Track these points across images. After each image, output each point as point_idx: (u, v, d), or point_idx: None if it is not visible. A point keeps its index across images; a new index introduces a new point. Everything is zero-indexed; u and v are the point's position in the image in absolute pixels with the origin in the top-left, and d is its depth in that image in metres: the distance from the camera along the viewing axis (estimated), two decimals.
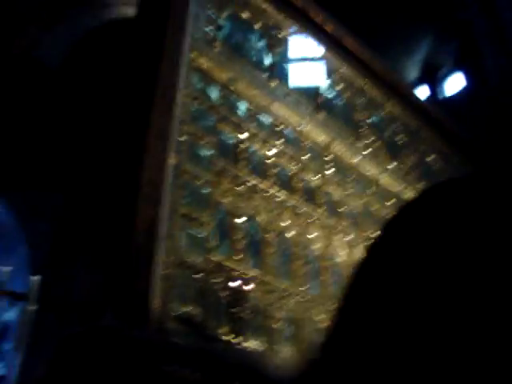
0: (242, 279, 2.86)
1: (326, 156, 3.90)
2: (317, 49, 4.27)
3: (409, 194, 4.55)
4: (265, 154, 3.42)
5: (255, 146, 3.38)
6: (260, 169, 3.34)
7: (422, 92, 11.48)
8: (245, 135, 3.32)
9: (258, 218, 3.16)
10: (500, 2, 8.90)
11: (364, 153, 4.24)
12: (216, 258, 2.78)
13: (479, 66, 9.75)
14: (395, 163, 4.61)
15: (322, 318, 3.20)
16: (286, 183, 3.46)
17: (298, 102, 3.83)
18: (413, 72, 11.97)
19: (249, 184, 3.19)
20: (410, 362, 0.61)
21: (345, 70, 4.47)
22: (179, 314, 2.50)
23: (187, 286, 2.61)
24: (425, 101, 5.38)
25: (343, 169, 4.02)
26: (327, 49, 4.32)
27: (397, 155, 4.70)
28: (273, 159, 3.44)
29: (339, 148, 4.00)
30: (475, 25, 9.65)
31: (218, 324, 2.65)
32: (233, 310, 2.74)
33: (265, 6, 3.88)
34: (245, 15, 3.76)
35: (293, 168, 3.56)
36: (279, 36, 3.98)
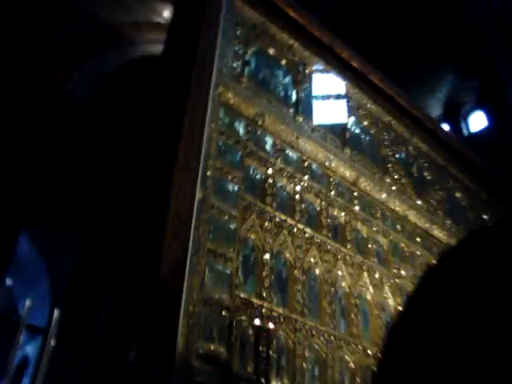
0: (268, 317, 2.79)
1: (353, 192, 3.85)
2: (342, 85, 4.26)
3: (437, 232, 4.46)
4: (292, 190, 3.38)
5: (282, 182, 3.35)
6: (287, 204, 3.30)
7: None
8: (271, 170, 3.30)
9: (285, 254, 3.10)
10: None
11: (392, 188, 4.18)
12: (242, 294, 2.72)
13: (503, 102, 9.69)
14: (423, 199, 4.53)
15: (348, 358, 3.10)
16: (313, 219, 3.41)
17: (324, 138, 3.80)
18: (435, 110, 11.94)
19: (276, 219, 3.14)
20: None
21: (371, 105, 4.45)
22: (204, 352, 2.43)
23: (212, 323, 2.54)
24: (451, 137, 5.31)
25: (370, 205, 3.96)
26: (353, 85, 4.31)
27: (424, 191, 4.63)
28: (300, 195, 3.40)
29: (366, 184, 3.94)
30: (499, 61, 9.63)
31: (243, 363, 2.57)
32: (258, 349, 2.66)
33: (291, 42, 3.91)
34: (271, 51, 3.78)
35: (320, 204, 3.51)
36: (305, 72, 3.98)
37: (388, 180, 4.23)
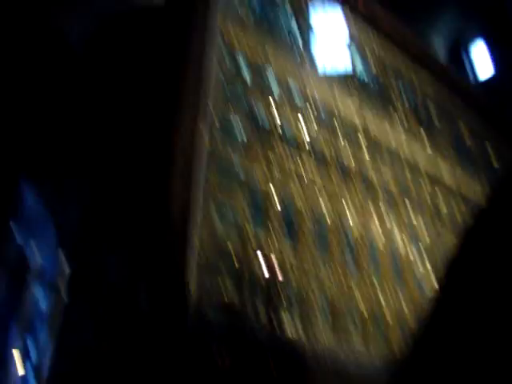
0: (279, 264, 2.76)
1: (363, 139, 3.77)
2: (352, 28, 4.11)
3: (447, 179, 4.39)
4: (300, 131, 3.28)
5: (289, 123, 3.25)
6: (296, 145, 3.21)
7: None
8: (278, 115, 3.21)
9: (296, 199, 3.05)
10: None
11: (401, 135, 4.10)
12: (253, 242, 2.68)
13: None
14: (433, 147, 4.45)
15: (361, 307, 3.09)
16: (323, 162, 3.33)
17: (332, 83, 3.70)
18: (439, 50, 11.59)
19: (285, 162, 3.06)
20: None
21: (380, 49, 4.31)
22: (216, 301, 2.41)
23: (225, 272, 2.52)
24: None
25: (380, 151, 3.88)
26: (362, 29, 4.17)
27: (435, 138, 4.54)
28: (309, 137, 3.31)
29: (376, 130, 3.86)
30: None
31: (256, 310, 2.56)
32: (272, 297, 2.64)
33: None
34: None
35: (329, 150, 3.44)
36: (313, 15, 3.84)
37: (397, 126, 4.14)
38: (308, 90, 3.48)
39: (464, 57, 11.61)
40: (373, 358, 3.01)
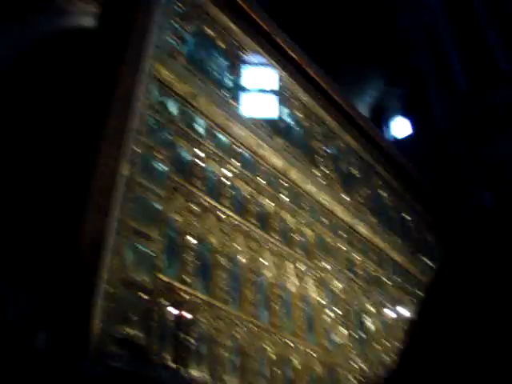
0: (190, 303, 2.69)
1: (283, 182, 3.82)
2: (279, 74, 4.22)
3: (362, 228, 4.52)
4: (222, 174, 3.29)
5: (212, 165, 3.25)
6: (216, 189, 3.21)
7: None
8: (202, 153, 3.20)
9: (211, 240, 3.02)
10: (449, 47, 9.18)
11: (320, 182, 4.19)
12: (164, 278, 2.61)
13: (427, 111, 9.98)
14: (350, 195, 4.58)
15: (270, 349, 3.05)
16: (241, 206, 3.34)
17: (257, 125, 3.74)
18: (362, 112, 12.14)
19: (204, 204, 3.04)
20: None
21: (305, 98, 4.44)
22: (122, 337, 2.30)
23: (132, 306, 2.41)
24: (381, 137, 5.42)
25: (299, 196, 3.94)
26: (289, 75, 4.28)
27: (352, 188, 4.68)
28: (229, 180, 3.32)
29: (296, 175, 3.93)
30: (425, 72, 9.92)
31: (163, 349, 2.46)
32: (179, 336, 2.55)
33: (231, 24, 3.81)
34: (210, 32, 3.68)
35: (249, 191, 3.45)
36: (243, 57, 3.91)
37: (317, 173, 4.24)
38: (234, 137, 3.50)
39: (383, 119, 12.20)
40: None
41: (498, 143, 6.82)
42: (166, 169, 2.88)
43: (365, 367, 3.85)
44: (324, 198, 4.17)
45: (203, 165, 3.16)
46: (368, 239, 4.59)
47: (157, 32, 3.11)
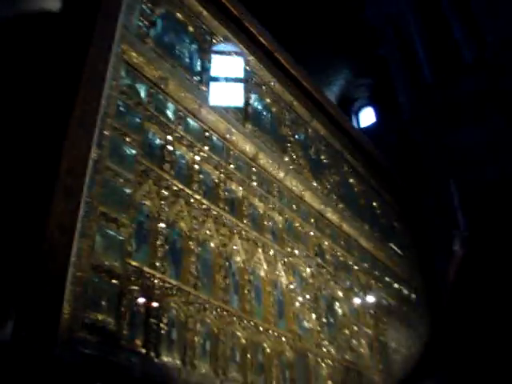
0: (160, 288, 2.66)
1: (252, 167, 3.80)
2: (248, 59, 4.19)
3: (330, 214, 4.54)
4: (191, 159, 3.26)
5: (181, 150, 3.22)
6: (185, 173, 3.18)
7: None
8: (171, 137, 3.15)
9: (180, 224, 2.99)
10: (415, 39, 9.27)
11: (289, 168, 4.19)
12: (134, 263, 2.57)
13: (392, 101, 10.08)
14: (318, 181, 4.60)
15: (240, 334, 3.05)
16: (210, 191, 3.32)
17: (226, 110, 3.72)
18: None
19: (173, 188, 3.01)
20: None
21: (274, 84, 4.43)
22: (91, 322, 2.26)
23: (101, 291, 2.37)
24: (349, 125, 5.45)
25: (268, 182, 3.94)
26: (259, 61, 4.26)
27: (320, 174, 4.70)
28: (198, 165, 3.29)
29: (265, 160, 3.92)
30: (391, 62, 10.00)
31: (133, 334, 2.43)
32: (149, 321, 2.53)
33: (200, 9, 3.77)
34: (180, 16, 3.63)
35: (218, 176, 3.43)
36: (212, 42, 3.87)
37: (286, 159, 4.24)
38: (204, 122, 3.47)
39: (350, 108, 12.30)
40: None
41: (461, 132, 6.94)
42: (134, 152, 2.84)
43: (334, 352, 3.89)
44: (293, 184, 4.18)
45: (172, 149, 3.13)
46: (336, 225, 4.63)
47: (125, 12, 3.05)
